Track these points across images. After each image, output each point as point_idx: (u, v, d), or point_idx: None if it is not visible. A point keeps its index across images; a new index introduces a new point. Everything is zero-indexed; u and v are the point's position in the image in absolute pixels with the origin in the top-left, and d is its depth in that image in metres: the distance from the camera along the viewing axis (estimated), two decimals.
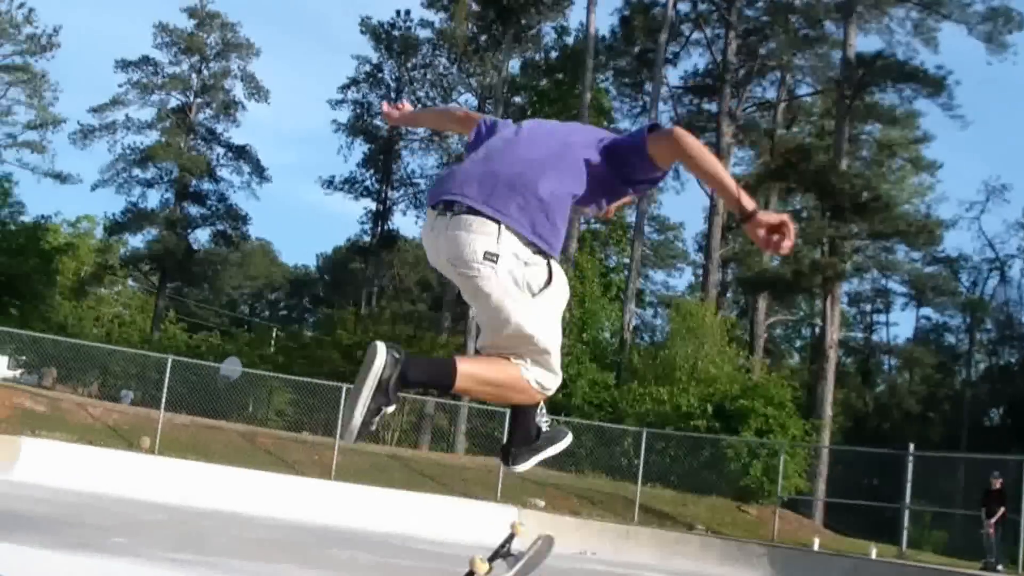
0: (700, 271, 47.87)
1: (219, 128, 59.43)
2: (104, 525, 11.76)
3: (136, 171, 56.99)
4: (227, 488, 21.24)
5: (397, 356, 3.77)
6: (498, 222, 3.83)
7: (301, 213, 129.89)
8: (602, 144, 4.18)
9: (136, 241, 59.41)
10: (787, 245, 3.86)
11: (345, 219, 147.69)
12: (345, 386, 23.74)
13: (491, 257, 3.82)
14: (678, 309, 37.75)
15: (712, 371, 32.26)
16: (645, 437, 25.91)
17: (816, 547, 23.23)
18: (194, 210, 58.48)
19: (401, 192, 60.42)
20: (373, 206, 59.49)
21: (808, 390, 41.15)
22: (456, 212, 3.89)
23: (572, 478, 27.81)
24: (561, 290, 4.02)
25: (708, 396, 30.21)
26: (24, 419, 23.32)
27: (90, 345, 30.90)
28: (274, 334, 65.26)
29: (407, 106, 5.01)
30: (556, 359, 4.03)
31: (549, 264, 3.95)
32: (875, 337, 73.07)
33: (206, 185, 58.45)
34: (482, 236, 3.83)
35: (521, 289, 3.88)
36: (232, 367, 30.51)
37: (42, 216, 54.42)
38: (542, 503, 24.94)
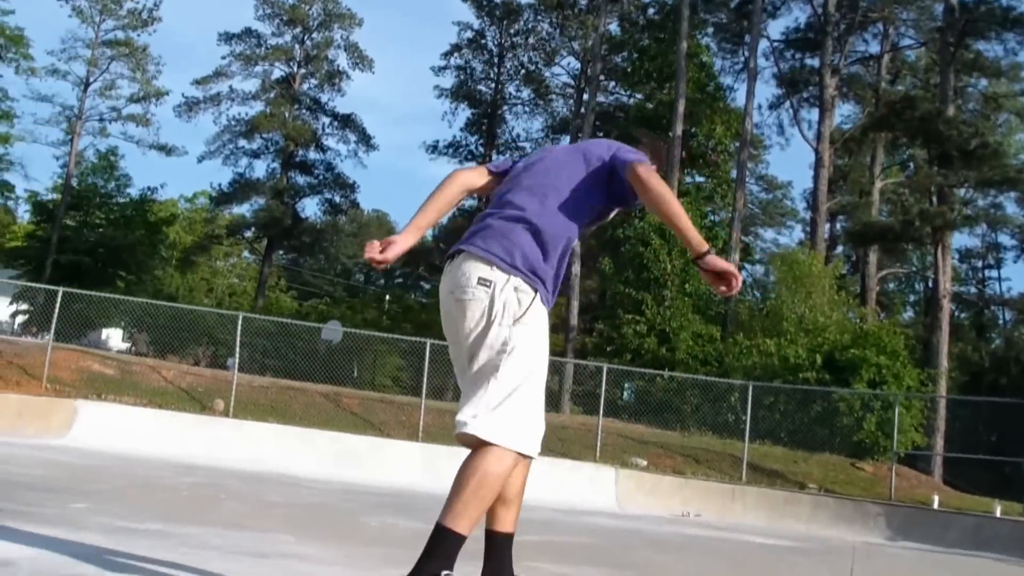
0: (809, 227, 45.50)
1: (324, 98, 58.67)
2: (97, 489, 10.19)
3: (242, 142, 56.60)
4: (301, 450, 19.94)
5: None
6: (491, 261, 4.14)
7: (410, 181, 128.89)
8: (602, 161, 4.46)
9: (243, 211, 58.81)
10: (729, 292, 4.24)
11: None
12: (429, 341, 22.23)
13: (484, 283, 4.11)
14: (783, 259, 35.54)
15: (821, 320, 30.02)
16: (752, 391, 23.82)
17: (936, 505, 21.12)
18: (301, 180, 57.96)
19: (506, 156, 57.68)
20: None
21: (923, 344, 38.79)
22: (463, 257, 4.22)
23: (676, 436, 26.01)
24: (542, 324, 4.25)
25: (817, 347, 28.02)
26: (90, 382, 22.17)
27: (159, 304, 29.36)
28: (386, 300, 64.65)
29: (395, 240, 4.47)
30: (535, 400, 4.18)
31: (535, 298, 4.19)
32: (988, 290, 70.06)
33: (312, 155, 57.89)
34: (479, 265, 4.15)
35: (505, 314, 4.10)
36: (333, 329, 29.11)
37: (148, 188, 53.77)
38: (643, 462, 23.20)
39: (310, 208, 68.72)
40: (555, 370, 33.52)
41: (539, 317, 4.19)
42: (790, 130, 52.83)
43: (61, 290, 22.45)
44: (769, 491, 21.89)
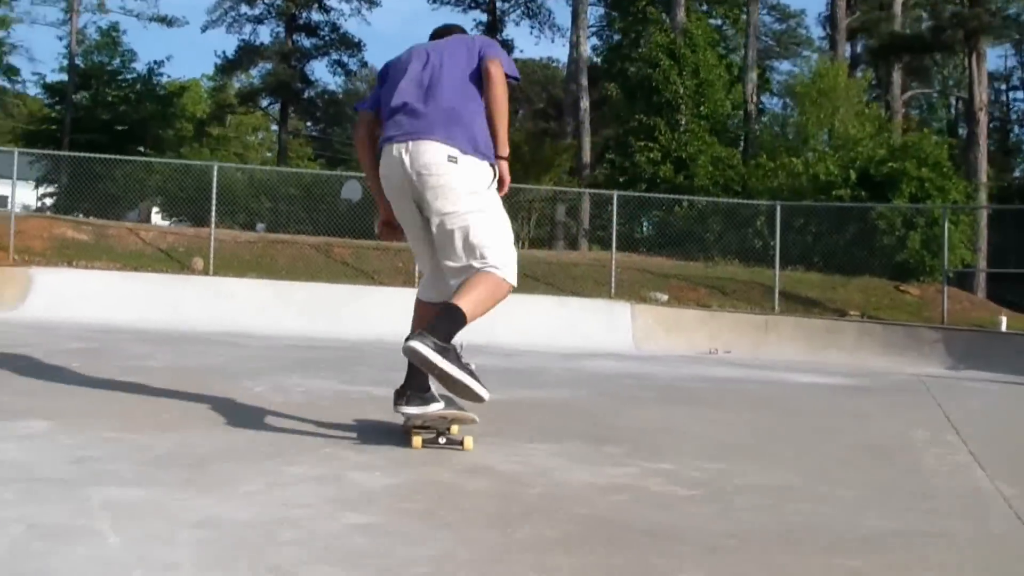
0: (827, 46, 41.31)
1: None
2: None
3: (244, 8, 52.96)
4: (275, 304, 16.89)
5: (427, 340, 4.42)
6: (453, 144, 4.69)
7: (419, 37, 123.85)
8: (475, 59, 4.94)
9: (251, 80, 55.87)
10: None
11: None
12: None
13: (453, 159, 4.67)
14: (807, 69, 31.67)
15: (852, 133, 26.26)
16: (780, 212, 20.31)
17: (1004, 327, 17.69)
18: (307, 42, 54.50)
19: (512, 2, 54.77)
20: (483, 18, 53.90)
21: (956, 166, 34.90)
22: (417, 140, 4.72)
23: (698, 267, 22.66)
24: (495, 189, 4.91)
25: (850, 162, 24.32)
26: (60, 250, 19.24)
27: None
28: None
29: (387, 220, 5.23)
30: (511, 242, 4.90)
31: (492, 166, 4.83)
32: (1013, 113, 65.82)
33: (316, 16, 54.26)
34: (443, 147, 4.67)
35: (478, 183, 4.75)
36: (352, 189, 25.95)
37: (154, 62, 50.51)
38: (664, 296, 19.99)
39: (319, 71, 66.14)
40: (571, 209, 30.36)
41: (495, 184, 4.87)
42: None
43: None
44: (806, 320, 18.66)
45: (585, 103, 36.12)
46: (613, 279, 19.89)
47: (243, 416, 5.42)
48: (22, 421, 4.79)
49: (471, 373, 4.52)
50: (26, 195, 46.50)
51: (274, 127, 64.01)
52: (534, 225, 30.28)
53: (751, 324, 18.27)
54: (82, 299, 16.01)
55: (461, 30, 5.35)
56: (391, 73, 5.06)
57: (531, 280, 20.31)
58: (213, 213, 19.42)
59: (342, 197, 25.92)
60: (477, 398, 4.51)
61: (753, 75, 32.87)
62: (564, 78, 44.91)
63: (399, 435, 4.96)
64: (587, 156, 35.69)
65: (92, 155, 22.77)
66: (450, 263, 4.77)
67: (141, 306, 16.06)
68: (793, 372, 12.43)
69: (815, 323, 18.42)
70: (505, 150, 4.83)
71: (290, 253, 20.77)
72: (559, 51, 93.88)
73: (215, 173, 19.73)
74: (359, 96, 63.14)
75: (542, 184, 29.02)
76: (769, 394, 9.06)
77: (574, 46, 37.44)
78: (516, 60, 54.21)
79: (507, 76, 4.84)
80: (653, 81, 29.75)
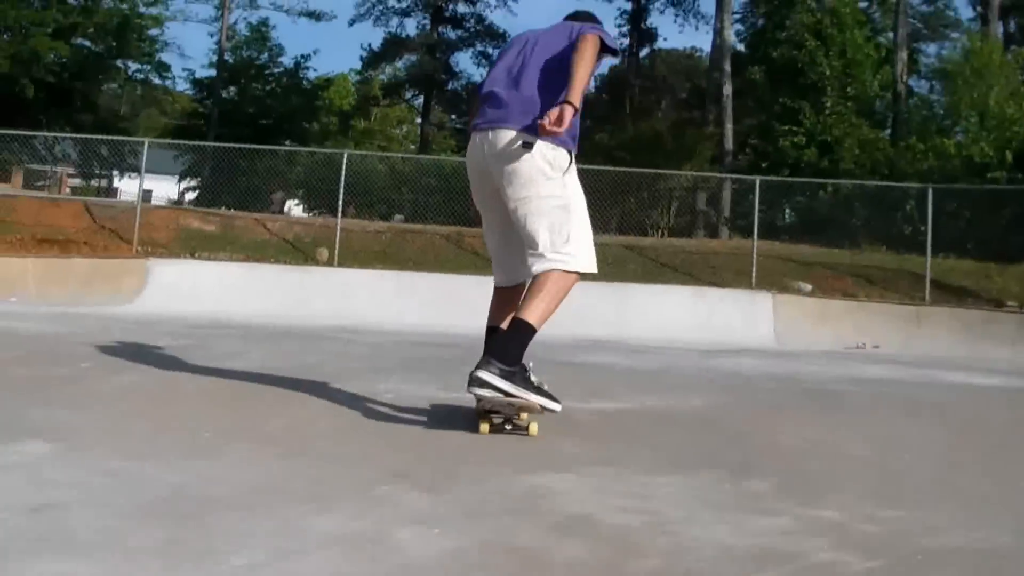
0: (977, 26, 39.08)
1: None
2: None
3: (391, 1, 53.50)
4: (397, 296, 16.10)
5: (493, 368, 4.42)
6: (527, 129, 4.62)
7: None
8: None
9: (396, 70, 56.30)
10: (553, 129, 4.46)
11: None
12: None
13: (528, 145, 4.60)
14: (959, 47, 29.75)
15: (1009, 112, 24.50)
16: (932, 196, 18.85)
17: None
18: (452, 34, 54.78)
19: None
20: (627, 6, 54.14)
21: None
22: (496, 128, 4.74)
23: (844, 254, 21.35)
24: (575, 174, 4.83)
25: (1006, 143, 22.61)
26: (185, 242, 18.99)
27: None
28: None
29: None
30: (588, 228, 4.81)
31: (570, 153, 4.74)
32: None
33: (462, 8, 54.48)
34: (520, 134, 4.63)
35: (554, 168, 4.68)
36: None
37: (301, 56, 50.68)
38: (808, 287, 18.75)
39: (464, 62, 65.41)
40: (711, 198, 29.14)
41: (573, 169, 4.79)
42: None
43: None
44: (960, 311, 17.23)
45: (728, 89, 34.83)
46: (754, 268, 18.72)
47: (298, 436, 4.52)
48: (20, 444, 3.91)
49: (541, 391, 4.55)
50: (170, 189, 47.10)
51: (418, 120, 63.77)
52: (674, 214, 29.11)
53: (901, 315, 16.95)
54: (200, 291, 15.68)
55: (588, 17, 5.18)
56: (496, 59, 5.15)
57: (668, 270, 19.31)
58: (340, 202, 18.81)
59: None
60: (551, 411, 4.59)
61: (903, 55, 31.09)
62: (707, 67, 43.59)
63: (478, 464, 4.02)
64: (729, 143, 34.39)
65: (224, 145, 22.47)
66: (527, 248, 4.72)
67: (260, 298, 15.64)
68: (952, 370, 11.12)
69: (970, 314, 17.03)
70: (575, 97, 4.51)
71: (419, 243, 20.10)
72: (702, 40, 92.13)
73: (344, 161, 19.07)
74: None
75: (681, 180, 27.94)
76: (934, 399, 7.86)
77: (717, 33, 36.25)
78: (659, 50, 53.71)
79: (604, 46, 4.73)
80: (798, 63, 28.29)
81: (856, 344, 15.55)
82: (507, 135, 4.67)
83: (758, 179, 19.58)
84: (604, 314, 15.80)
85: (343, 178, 18.90)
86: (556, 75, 4.66)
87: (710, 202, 30.28)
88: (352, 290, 16.29)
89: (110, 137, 22.66)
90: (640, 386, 7.29)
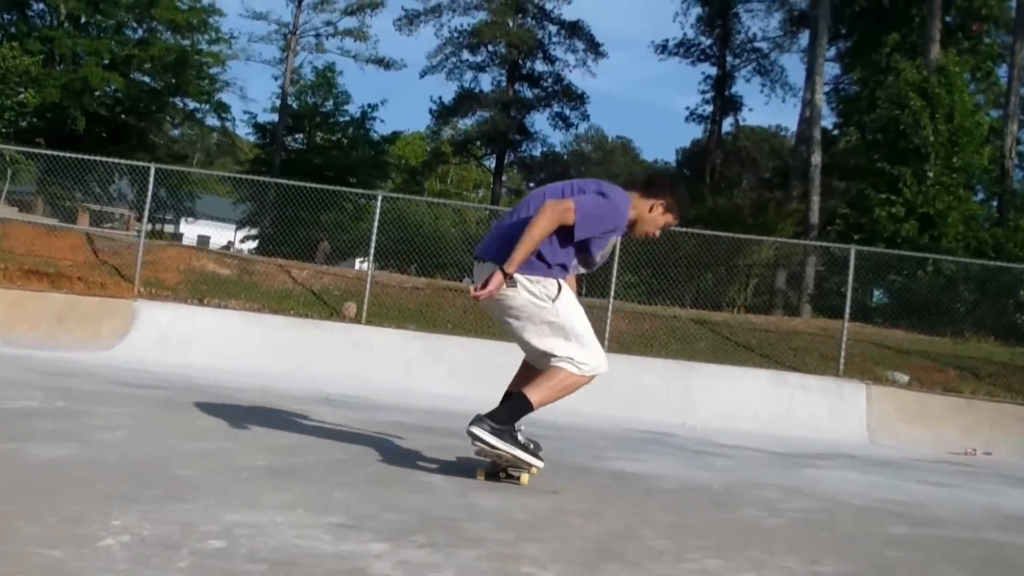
0: None
1: (549, 5, 52.75)
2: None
3: (466, 55, 52.17)
4: (423, 360, 14.09)
5: (484, 425, 5.23)
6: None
7: (643, 100, 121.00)
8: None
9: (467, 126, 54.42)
10: (477, 294, 5.22)
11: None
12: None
13: (511, 281, 5.20)
14: None
15: None
16: None
17: None
18: (529, 93, 53.06)
19: (742, 58, 52.73)
20: (713, 71, 52.38)
21: None
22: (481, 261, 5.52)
23: (947, 343, 18.81)
24: (570, 294, 5.43)
25: None
26: (198, 284, 17.20)
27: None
28: None
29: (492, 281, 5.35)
30: (589, 340, 5.41)
31: (557, 281, 5.34)
32: None
33: (539, 66, 52.83)
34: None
35: (541, 299, 5.30)
36: None
37: (368, 105, 48.87)
38: (905, 377, 16.29)
39: (540, 123, 64.30)
40: (792, 277, 26.73)
41: (563, 287, 5.37)
42: None
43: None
44: None
45: (816, 159, 32.43)
46: (843, 353, 16.26)
47: None
48: None
49: (527, 449, 5.40)
50: (229, 237, 45.78)
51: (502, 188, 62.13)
52: (751, 292, 26.85)
53: (1017, 417, 14.41)
54: (194, 342, 13.88)
55: (636, 185, 5.74)
56: None
57: (743, 350, 17.03)
58: (371, 251, 16.72)
59: None
60: (531, 467, 5.44)
61: (1013, 127, 28.50)
62: (793, 144, 41.31)
63: None
64: (815, 217, 31.90)
65: (261, 178, 20.67)
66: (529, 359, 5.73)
67: (263, 354, 13.79)
68: None
69: None
70: (511, 266, 5.15)
71: (461, 304, 17.94)
72: (789, 116, 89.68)
73: (379, 203, 16.96)
74: (583, 157, 61.26)
75: (762, 252, 25.61)
76: None
77: (806, 104, 34.06)
78: (743, 126, 51.98)
79: (571, 222, 5.27)
80: (900, 124, 25.63)
81: (964, 449, 13.16)
82: (488, 267, 5.33)
83: (853, 248, 17.07)
84: (669, 395, 13.74)
85: (376, 224, 16.79)
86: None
87: (791, 281, 27.93)
88: (374, 351, 14.24)
89: (112, 160, 20.50)
90: (698, 510, 5.22)
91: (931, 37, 28.84)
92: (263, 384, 11.14)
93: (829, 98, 40.23)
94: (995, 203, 28.46)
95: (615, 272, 16.04)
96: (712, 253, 21.01)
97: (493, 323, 16.58)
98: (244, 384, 10.84)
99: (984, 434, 13.81)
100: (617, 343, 15.66)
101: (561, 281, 5.34)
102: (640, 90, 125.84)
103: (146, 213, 17.67)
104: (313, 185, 20.06)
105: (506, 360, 14.01)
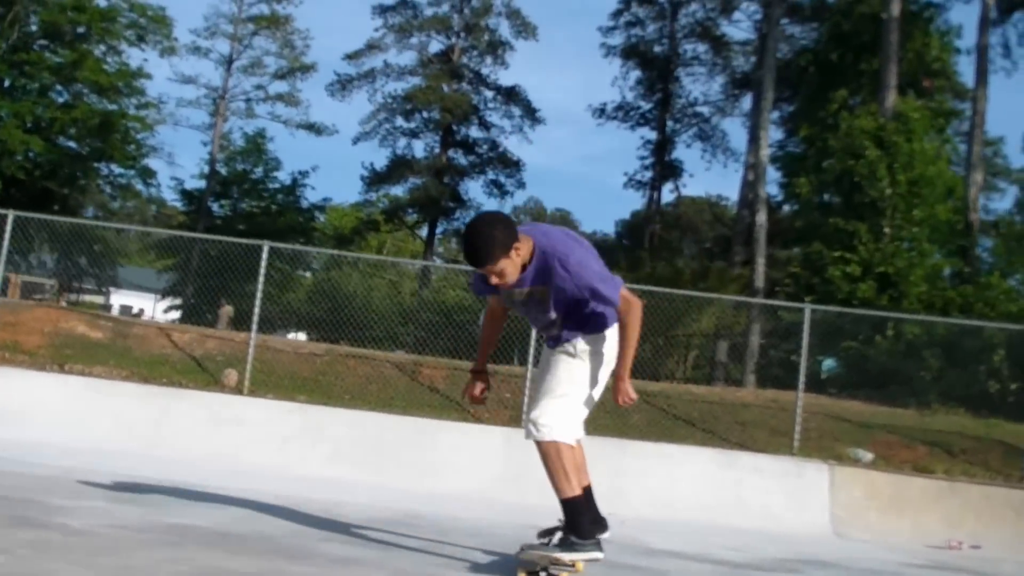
0: None
1: (485, 71, 51.84)
2: None
3: (399, 121, 50.77)
4: (310, 441, 11.84)
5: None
6: None
7: (582, 170, 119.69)
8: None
9: (398, 193, 52.48)
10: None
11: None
12: None
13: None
14: None
15: None
16: None
17: None
18: (463, 159, 51.71)
19: (683, 123, 51.79)
20: (652, 135, 51.25)
21: None
22: None
23: (912, 415, 16.76)
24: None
25: None
26: (61, 348, 14.69)
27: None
28: None
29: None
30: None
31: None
32: None
33: (475, 132, 51.68)
34: None
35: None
36: None
37: (299, 172, 47.40)
38: (868, 455, 14.11)
39: (474, 191, 62.35)
40: (733, 348, 24.55)
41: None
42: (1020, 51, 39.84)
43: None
44: None
45: (762, 218, 30.48)
46: (797, 428, 13.97)
47: None
48: None
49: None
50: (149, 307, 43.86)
51: (438, 260, 60.18)
52: (690, 366, 24.68)
53: (1007, 503, 12.18)
54: (31, 412, 11.46)
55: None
56: None
57: (682, 424, 14.80)
58: (256, 311, 14.26)
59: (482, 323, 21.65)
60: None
61: (978, 176, 26.63)
62: (735, 211, 39.51)
63: None
64: (760, 280, 29.88)
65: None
66: None
67: (108, 429, 11.35)
68: None
69: None
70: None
71: (364, 372, 15.57)
72: (730, 186, 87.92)
73: (264, 253, 14.52)
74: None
75: (702, 320, 23.41)
76: None
77: (750, 167, 32.36)
78: (685, 195, 50.46)
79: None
80: (855, 176, 23.57)
81: (948, 543, 10.97)
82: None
83: (808, 307, 14.79)
84: (593, 480, 11.18)
85: (261, 278, 14.36)
86: None
87: (733, 352, 25.80)
88: (244, 426, 11.76)
89: None
90: None
91: (886, 84, 26.97)
92: (105, 466, 8.78)
93: (773, 162, 38.46)
94: (961, 259, 26.41)
95: (533, 337, 13.68)
96: (649, 321, 18.78)
97: (395, 396, 14.26)
98: (69, 468, 8.46)
99: (969, 524, 11.62)
100: None
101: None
102: (580, 164, 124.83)
103: (1, 265, 15.11)
104: (204, 236, 17.75)
105: (399, 437, 11.74)
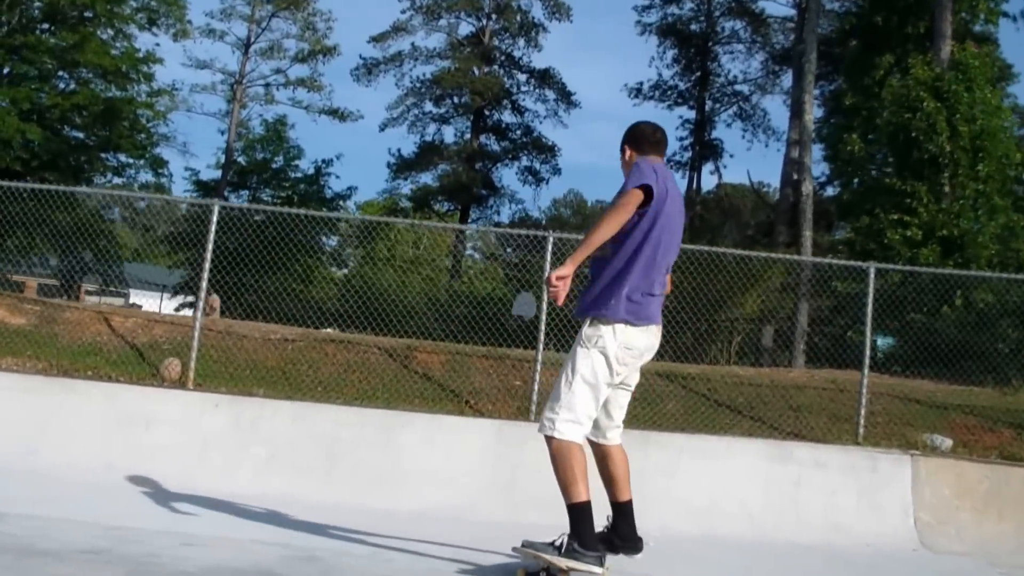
0: None
1: (517, 53, 49.11)
2: None
3: (429, 106, 48.15)
4: (240, 444, 9.44)
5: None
6: None
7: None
8: None
9: (428, 180, 49.68)
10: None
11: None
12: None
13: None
14: None
15: None
16: None
17: None
18: (495, 145, 49.13)
19: (722, 102, 48.94)
20: (691, 115, 48.25)
21: None
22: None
23: (991, 394, 14.00)
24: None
25: None
26: None
27: None
28: None
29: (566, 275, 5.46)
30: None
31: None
32: None
33: (507, 117, 49.00)
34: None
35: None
36: (525, 303, 19.27)
37: (323, 160, 44.79)
38: (947, 442, 11.42)
39: (508, 177, 59.76)
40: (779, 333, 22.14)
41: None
42: None
43: None
44: None
45: (808, 187, 27.95)
46: (862, 411, 11.46)
47: None
48: None
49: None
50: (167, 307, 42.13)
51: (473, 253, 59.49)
52: (735, 352, 22.30)
53: None
54: None
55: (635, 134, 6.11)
56: (669, 197, 5.79)
57: (725, 411, 12.37)
58: (203, 286, 11.87)
59: (514, 313, 19.78)
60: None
61: None
62: (779, 183, 36.94)
63: None
64: (808, 254, 27.27)
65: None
66: (619, 419, 6.12)
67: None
68: None
69: None
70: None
71: (344, 360, 13.13)
72: (771, 171, 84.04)
73: (214, 216, 12.08)
74: (561, 222, 57.87)
75: (746, 305, 20.93)
76: None
77: (792, 144, 29.84)
78: (726, 181, 47.87)
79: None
80: (912, 131, 20.91)
81: None
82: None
83: (873, 265, 12.27)
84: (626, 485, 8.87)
85: (210, 244, 11.97)
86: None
87: (779, 337, 23.31)
88: (149, 428, 9.28)
89: None
90: None
91: (942, 33, 24.18)
92: None
93: (817, 138, 36.04)
94: None
95: (544, 318, 11.29)
96: (691, 303, 16.29)
97: (379, 386, 11.80)
98: None
99: None
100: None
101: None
102: (611, 125, 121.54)
103: None
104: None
105: (358, 435, 9.30)
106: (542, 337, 11.46)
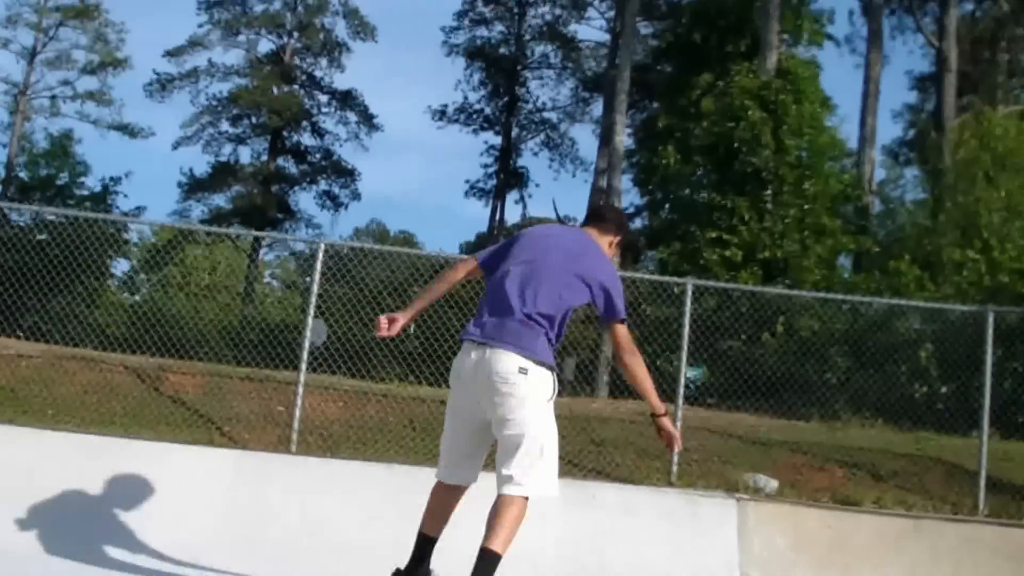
0: None
1: (319, 74, 47.86)
2: None
3: (225, 125, 46.07)
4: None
5: None
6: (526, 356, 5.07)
7: (424, 201, 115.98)
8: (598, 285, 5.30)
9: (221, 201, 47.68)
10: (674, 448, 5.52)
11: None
12: None
13: (523, 371, 5.02)
14: (969, 127, 21.43)
15: None
16: (991, 328, 10.48)
17: None
18: (294, 168, 47.42)
19: (530, 129, 48.25)
20: (497, 141, 47.27)
21: None
22: (494, 348, 5.10)
23: (817, 429, 12.83)
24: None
25: None
26: None
27: None
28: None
29: (399, 318, 5.42)
30: (555, 458, 5.25)
31: (556, 377, 5.24)
32: None
33: (307, 139, 47.49)
34: (516, 358, 5.03)
35: (540, 397, 5.11)
36: (319, 331, 18.59)
37: (111, 178, 43.04)
38: (773, 483, 9.93)
39: (305, 201, 58.08)
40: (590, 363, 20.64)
41: (554, 396, 5.24)
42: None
43: None
44: None
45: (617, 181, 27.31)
46: (676, 452, 9.57)
47: None
48: None
49: None
50: None
51: (270, 280, 55.27)
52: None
53: (994, 548, 8.27)
54: None
55: (605, 217, 5.92)
56: (513, 251, 5.44)
57: None
58: None
59: (309, 340, 18.82)
60: None
61: (872, 152, 23.02)
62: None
63: None
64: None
65: None
66: (501, 467, 5.14)
67: None
68: None
69: None
70: (660, 408, 5.41)
71: (86, 380, 10.97)
72: (578, 203, 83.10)
73: None
74: (362, 251, 56.65)
75: None
76: None
77: (600, 172, 29.14)
78: (531, 216, 47.53)
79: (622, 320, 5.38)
80: (735, 141, 19.58)
81: None
82: (504, 356, 5.06)
83: (690, 282, 10.56)
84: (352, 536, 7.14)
85: None
86: (561, 299, 5.19)
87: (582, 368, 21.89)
88: None
89: None
90: None
91: (769, 44, 23.13)
92: None
93: (624, 171, 35.08)
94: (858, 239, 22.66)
95: (306, 347, 9.31)
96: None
97: (121, 411, 9.58)
98: None
99: (902, 564, 7.72)
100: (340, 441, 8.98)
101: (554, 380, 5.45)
102: (424, 188, 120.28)
103: None
104: None
105: (58, 467, 7.31)
106: (305, 356, 9.71)
